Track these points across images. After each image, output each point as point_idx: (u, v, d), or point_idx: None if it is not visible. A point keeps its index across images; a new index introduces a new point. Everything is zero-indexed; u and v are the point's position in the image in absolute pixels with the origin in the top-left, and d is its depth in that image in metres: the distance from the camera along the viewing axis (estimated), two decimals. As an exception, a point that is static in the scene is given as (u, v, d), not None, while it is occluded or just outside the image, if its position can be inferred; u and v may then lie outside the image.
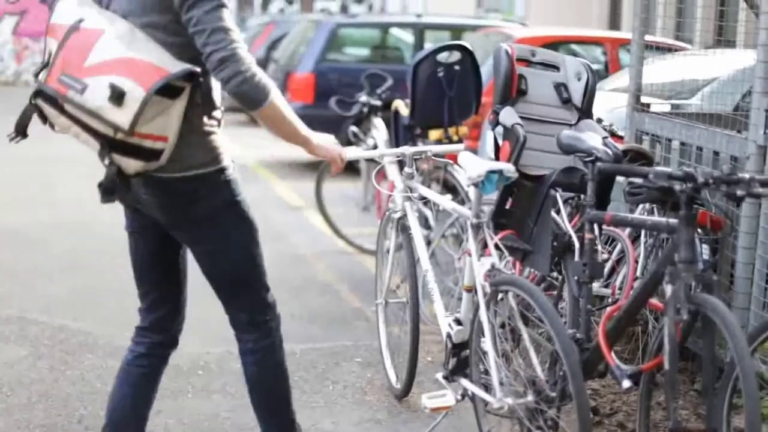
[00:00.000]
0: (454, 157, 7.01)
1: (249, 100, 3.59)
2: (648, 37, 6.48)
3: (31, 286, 7.43)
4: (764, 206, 5.07)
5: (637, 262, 5.30)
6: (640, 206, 5.53)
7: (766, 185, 3.81)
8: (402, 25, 14.15)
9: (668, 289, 3.77)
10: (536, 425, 4.16)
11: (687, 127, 5.78)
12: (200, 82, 3.62)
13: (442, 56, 7.09)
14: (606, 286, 5.39)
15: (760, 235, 5.09)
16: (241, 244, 3.92)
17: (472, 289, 4.67)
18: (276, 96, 3.64)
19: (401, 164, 7.53)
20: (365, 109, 8.61)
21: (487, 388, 4.43)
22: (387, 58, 13.51)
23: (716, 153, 5.50)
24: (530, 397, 4.18)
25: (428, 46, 12.19)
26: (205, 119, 3.72)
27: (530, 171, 4.76)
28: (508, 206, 4.80)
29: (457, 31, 13.59)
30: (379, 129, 8.45)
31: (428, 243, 7.30)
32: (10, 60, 24.02)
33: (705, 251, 5.18)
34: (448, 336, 4.79)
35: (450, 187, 7.26)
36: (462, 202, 6.98)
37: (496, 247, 4.60)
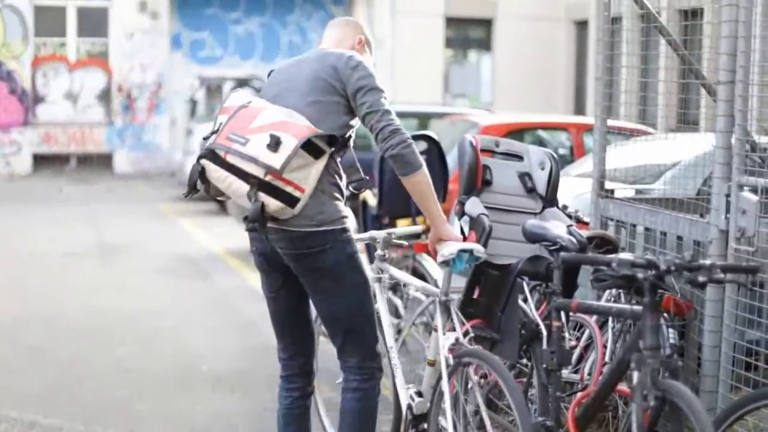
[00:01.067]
0: (421, 247, 7.08)
1: (408, 163, 4.49)
2: (611, 122, 6.61)
3: (0, 382, 7.40)
4: (728, 290, 5.14)
5: (605, 347, 5.35)
6: (607, 291, 5.60)
7: (726, 271, 3.88)
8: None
9: (635, 375, 3.82)
10: None
11: (651, 212, 5.87)
12: (336, 152, 4.56)
13: (409, 146, 7.18)
14: (575, 372, 5.43)
15: (726, 318, 5.16)
16: (356, 293, 4.61)
17: (434, 363, 4.88)
18: (425, 167, 4.52)
19: (368, 250, 7.59)
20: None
21: None
22: (354, 147, 13.60)
23: (680, 238, 5.58)
24: None
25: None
26: (335, 187, 4.56)
27: (497, 260, 4.83)
28: (475, 296, 4.85)
29: (423, 118, 13.74)
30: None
31: (398, 331, 7.33)
32: (-22, 151, 24.05)
33: (672, 335, 5.23)
34: (409, 407, 4.96)
35: (419, 276, 7.31)
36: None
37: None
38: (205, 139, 4.55)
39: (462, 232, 4.95)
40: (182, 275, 11.65)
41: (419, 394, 4.98)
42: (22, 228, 15.47)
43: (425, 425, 4.85)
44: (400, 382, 5.10)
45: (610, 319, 5.51)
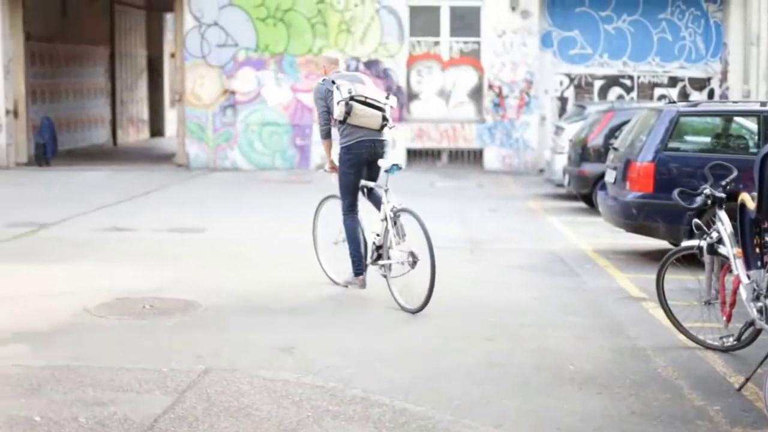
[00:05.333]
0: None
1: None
2: None
3: (373, 369, 7.66)
4: None
5: None
6: None
7: None
8: (746, 114, 13.74)
9: None
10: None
11: None
12: None
13: (792, 148, 6.88)
14: None
15: None
16: None
17: (386, 219, 9.83)
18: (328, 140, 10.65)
19: (746, 258, 7.31)
20: (708, 201, 8.40)
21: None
22: (731, 148, 13.14)
23: None
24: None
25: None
26: None
27: None
28: None
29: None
30: (723, 222, 8.21)
31: None
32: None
33: None
34: (375, 243, 10.06)
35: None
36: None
37: None
38: (349, 93, 9.94)
39: None
40: (549, 272, 11.68)
41: (377, 235, 10.05)
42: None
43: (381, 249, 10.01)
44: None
45: None
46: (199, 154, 25.29)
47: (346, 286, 10.35)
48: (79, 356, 7.79)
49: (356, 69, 25.05)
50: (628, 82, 25.78)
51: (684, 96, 25.25)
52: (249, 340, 8.41)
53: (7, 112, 25.20)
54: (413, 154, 25.31)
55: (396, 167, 9.79)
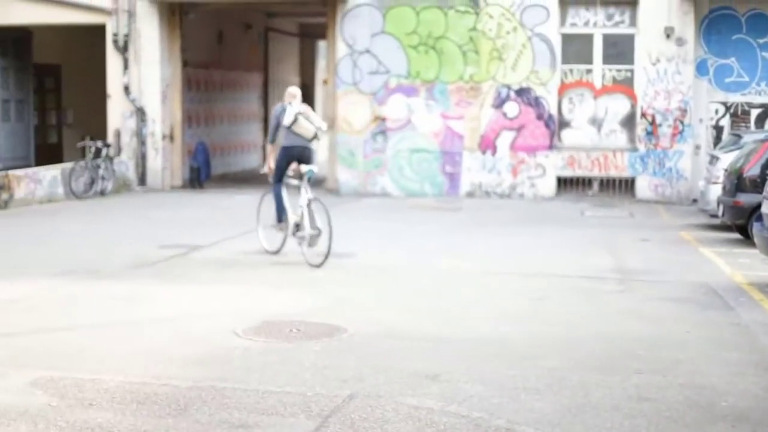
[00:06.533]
0: None
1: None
2: None
3: (519, 400, 7.53)
4: None
5: None
6: None
7: None
8: None
9: None
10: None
11: None
12: None
13: None
14: None
15: None
16: None
17: (304, 204, 14.17)
18: (270, 144, 15.57)
19: None
20: None
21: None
22: None
23: None
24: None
25: None
26: None
27: None
28: None
29: None
30: None
31: None
32: (507, 173, 25.04)
33: None
34: (295, 222, 14.34)
35: None
36: None
37: None
38: (298, 110, 14.50)
39: None
40: (702, 305, 11.37)
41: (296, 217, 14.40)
42: (540, 249, 15.87)
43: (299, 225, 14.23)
44: (293, 219, 14.49)
45: None
46: (349, 180, 25.51)
47: (276, 253, 14.70)
48: (225, 378, 7.87)
49: (507, 96, 25.00)
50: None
51: None
52: (394, 366, 8.38)
53: (164, 136, 25.89)
54: (563, 183, 25.06)
55: (311, 171, 14.22)
